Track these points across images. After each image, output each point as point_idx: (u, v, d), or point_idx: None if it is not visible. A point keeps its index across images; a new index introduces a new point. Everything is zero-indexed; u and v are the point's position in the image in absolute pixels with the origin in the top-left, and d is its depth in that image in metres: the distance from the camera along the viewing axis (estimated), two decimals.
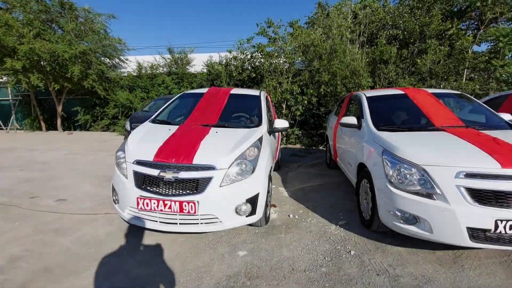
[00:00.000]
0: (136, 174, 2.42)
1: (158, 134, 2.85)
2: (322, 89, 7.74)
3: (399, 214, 2.28)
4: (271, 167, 3.15)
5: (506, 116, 3.08)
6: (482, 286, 2.01)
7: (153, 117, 3.46)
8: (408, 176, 2.26)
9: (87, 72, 10.81)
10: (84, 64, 10.69)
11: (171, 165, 2.35)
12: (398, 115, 3.32)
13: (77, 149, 7.66)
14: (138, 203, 2.34)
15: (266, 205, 2.80)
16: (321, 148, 7.99)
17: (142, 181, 2.40)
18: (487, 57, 7.60)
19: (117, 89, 11.83)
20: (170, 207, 2.26)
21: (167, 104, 3.70)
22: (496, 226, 1.93)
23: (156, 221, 2.38)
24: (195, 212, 2.25)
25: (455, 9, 8.79)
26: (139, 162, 2.46)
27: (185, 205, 2.24)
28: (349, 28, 8.36)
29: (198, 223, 2.32)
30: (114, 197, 2.68)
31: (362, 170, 2.96)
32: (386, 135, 2.72)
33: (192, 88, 10.45)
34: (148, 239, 2.68)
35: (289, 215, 3.25)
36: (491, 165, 2.00)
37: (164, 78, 11.34)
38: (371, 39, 8.95)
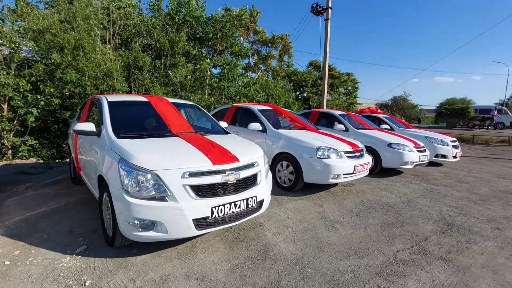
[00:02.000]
0: None
1: None
2: (68, 89, 6.41)
3: (137, 222, 2.21)
4: None
5: (223, 124, 4.02)
6: (208, 263, 2.39)
7: None
8: (144, 182, 2.24)
9: None
10: None
11: None
12: (140, 122, 3.33)
13: None
14: None
15: None
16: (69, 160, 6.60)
17: None
18: (218, 79, 9.92)
19: None
20: None
21: None
22: (212, 212, 2.37)
23: None
24: None
25: (198, 36, 10.72)
26: None
27: None
28: (101, 25, 7.61)
29: None
30: None
31: (103, 183, 2.64)
32: (124, 143, 2.58)
33: None
34: None
35: None
36: (206, 164, 2.44)
37: None
38: (127, 43, 8.74)
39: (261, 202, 2.83)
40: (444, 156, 7.00)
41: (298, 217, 3.46)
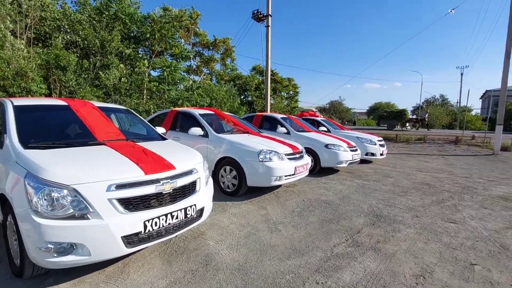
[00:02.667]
0: None
1: None
2: None
3: (52, 247, 1.88)
4: None
5: (160, 130, 3.77)
6: (142, 283, 2.16)
7: None
8: (60, 200, 1.92)
9: None
10: None
11: None
12: (57, 130, 2.88)
13: None
14: None
15: None
16: None
17: None
18: (158, 82, 9.38)
19: None
20: None
21: None
22: (145, 227, 2.16)
23: None
24: None
25: (132, 34, 9.98)
26: None
27: None
28: (9, 16, 6.50)
29: None
30: None
31: (6, 203, 2.20)
32: (33, 155, 2.19)
33: None
34: None
35: None
36: (137, 174, 2.22)
37: None
38: (45, 39, 7.64)
39: (202, 210, 2.71)
40: (373, 154, 7.82)
41: (241, 222, 3.42)
